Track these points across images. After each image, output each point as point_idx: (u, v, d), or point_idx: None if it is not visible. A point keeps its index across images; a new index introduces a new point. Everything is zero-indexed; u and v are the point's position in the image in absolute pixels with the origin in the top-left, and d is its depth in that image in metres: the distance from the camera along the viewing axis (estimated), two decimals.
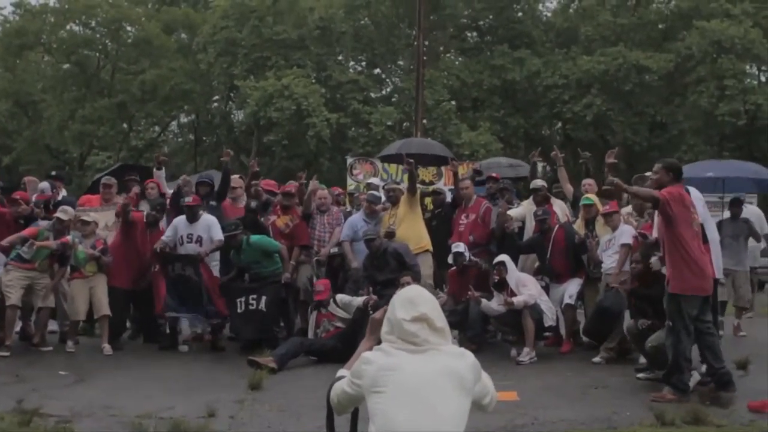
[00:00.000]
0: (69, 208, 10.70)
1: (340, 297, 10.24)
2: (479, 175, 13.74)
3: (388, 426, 3.30)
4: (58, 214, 10.42)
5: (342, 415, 3.65)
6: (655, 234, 8.52)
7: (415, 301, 3.50)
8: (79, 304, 10.51)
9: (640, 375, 8.75)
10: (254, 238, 10.56)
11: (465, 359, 3.47)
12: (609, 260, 10.03)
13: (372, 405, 3.37)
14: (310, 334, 10.35)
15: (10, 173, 31.85)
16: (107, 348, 10.37)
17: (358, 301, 10.00)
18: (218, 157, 12.19)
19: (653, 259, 8.47)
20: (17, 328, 10.90)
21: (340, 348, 9.19)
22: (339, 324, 10.05)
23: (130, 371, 9.38)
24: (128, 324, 11.57)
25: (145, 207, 11.49)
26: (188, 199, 10.89)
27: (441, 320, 3.50)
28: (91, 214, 11.09)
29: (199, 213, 10.84)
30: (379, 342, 3.54)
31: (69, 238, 10.36)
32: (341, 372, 3.65)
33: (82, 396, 8.04)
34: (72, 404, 7.56)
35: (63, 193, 12.43)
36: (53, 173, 13.13)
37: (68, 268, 10.56)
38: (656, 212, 8.07)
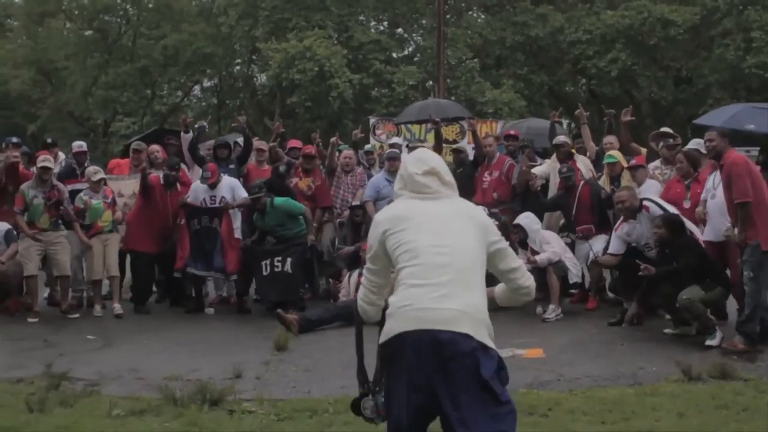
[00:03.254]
0: (99, 169, 10.92)
1: None
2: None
3: (409, 248, 3.50)
4: (93, 177, 10.59)
5: (370, 322, 3.77)
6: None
7: (424, 158, 3.77)
8: (96, 263, 10.53)
9: (667, 330, 8.72)
10: (278, 200, 10.54)
11: (479, 210, 3.80)
12: None
13: (392, 244, 3.56)
14: (343, 295, 10.32)
15: (35, 141, 31.93)
16: (117, 308, 10.43)
17: None
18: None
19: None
20: (45, 295, 11.04)
21: None
22: None
23: (157, 335, 9.44)
24: (154, 288, 11.59)
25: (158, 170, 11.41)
26: (207, 174, 10.66)
27: (449, 175, 3.73)
28: (120, 182, 11.35)
29: (219, 180, 10.74)
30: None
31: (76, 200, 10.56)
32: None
33: (110, 360, 8.12)
34: (99, 368, 7.64)
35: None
36: (48, 140, 13.15)
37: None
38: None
